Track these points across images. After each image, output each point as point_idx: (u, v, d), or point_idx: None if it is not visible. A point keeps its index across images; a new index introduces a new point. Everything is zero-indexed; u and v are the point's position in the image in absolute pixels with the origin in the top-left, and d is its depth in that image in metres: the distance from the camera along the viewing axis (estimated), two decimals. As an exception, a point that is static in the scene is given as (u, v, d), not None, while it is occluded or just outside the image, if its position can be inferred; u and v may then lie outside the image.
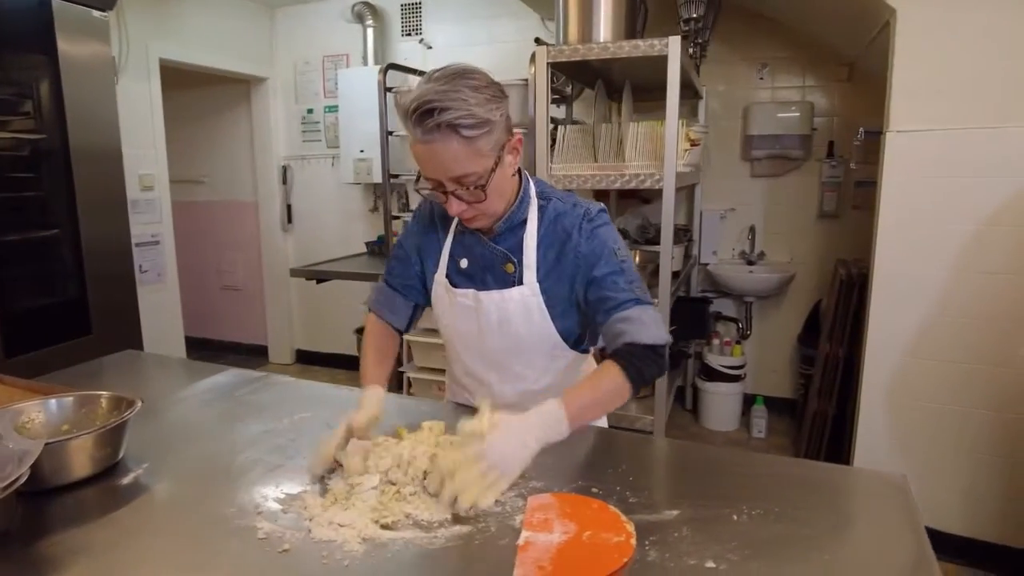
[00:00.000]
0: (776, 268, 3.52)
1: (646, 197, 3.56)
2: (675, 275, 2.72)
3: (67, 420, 1.14)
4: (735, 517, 0.90)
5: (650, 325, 1.15)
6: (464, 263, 1.26)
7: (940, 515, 2.31)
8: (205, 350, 4.92)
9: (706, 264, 3.67)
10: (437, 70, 1.06)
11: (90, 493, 1.03)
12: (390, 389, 1.28)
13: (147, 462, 1.12)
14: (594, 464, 1.12)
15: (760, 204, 3.60)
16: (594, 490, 0.99)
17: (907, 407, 2.31)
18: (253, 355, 4.90)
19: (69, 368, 1.69)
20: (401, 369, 3.44)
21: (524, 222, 1.22)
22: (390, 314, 1.36)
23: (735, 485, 1.00)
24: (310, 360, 4.84)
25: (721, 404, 3.53)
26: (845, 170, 3.36)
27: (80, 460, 1.02)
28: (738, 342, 3.58)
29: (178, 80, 4.07)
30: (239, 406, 1.40)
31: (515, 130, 1.16)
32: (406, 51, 4.11)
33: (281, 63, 4.47)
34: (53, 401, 1.13)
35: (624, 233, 3.27)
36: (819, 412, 2.96)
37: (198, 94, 4.66)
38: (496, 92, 1.08)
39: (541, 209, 1.23)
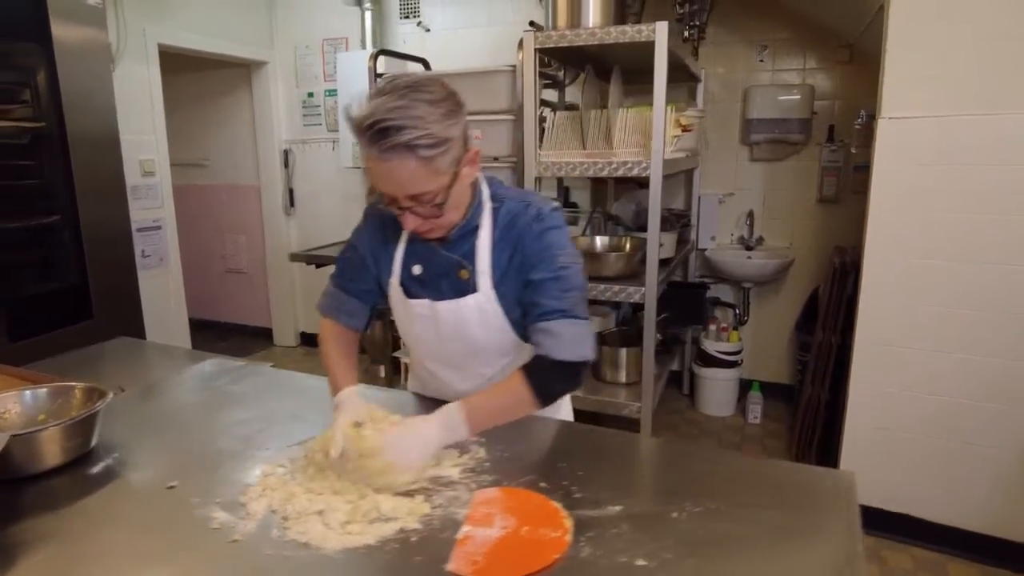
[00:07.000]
0: (774, 254, 3.49)
1: (642, 182, 3.53)
2: (666, 262, 2.71)
3: (43, 410, 1.19)
4: (675, 514, 0.92)
5: (569, 341, 1.14)
6: (417, 269, 1.24)
7: (925, 504, 2.32)
8: (210, 332, 5.01)
9: (704, 249, 3.65)
10: (389, 82, 1.02)
11: (62, 481, 1.07)
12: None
13: (117, 451, 1.16)
14: (548, 458, 1.14)
15: (759, 189, 3.56)
16: (542, 484, 1.01)
17: (895, 395, 2.30)
18: (258, 337, 4.97)
19: (59, 355, 1.74)
20: (397, 355, 3.48)
21: (477, 228, 1.19)
22: (347, 317, 1.31)
23: (682, 481, 1.02)
24: (314, 342, 4.88)
25: (718, 390, 3.54)
26: (845, 154, 3.31)
27: (51, 450, 1.06)
28: (735, 328, 3.56)
29: (179, 64, 4.08)
30: (218, 395, 1.44)
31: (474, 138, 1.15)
32: (404, 33, 4.09)
33: (281, 47, 4.46)
34: (28, 392, 1.18)
35: (617, 220, 3.26)
36: (812, 399, 2.96)
37: (199, 77, 4.67)
38: (453, 105, 1.03)
39: (495, 211, 1.20)
